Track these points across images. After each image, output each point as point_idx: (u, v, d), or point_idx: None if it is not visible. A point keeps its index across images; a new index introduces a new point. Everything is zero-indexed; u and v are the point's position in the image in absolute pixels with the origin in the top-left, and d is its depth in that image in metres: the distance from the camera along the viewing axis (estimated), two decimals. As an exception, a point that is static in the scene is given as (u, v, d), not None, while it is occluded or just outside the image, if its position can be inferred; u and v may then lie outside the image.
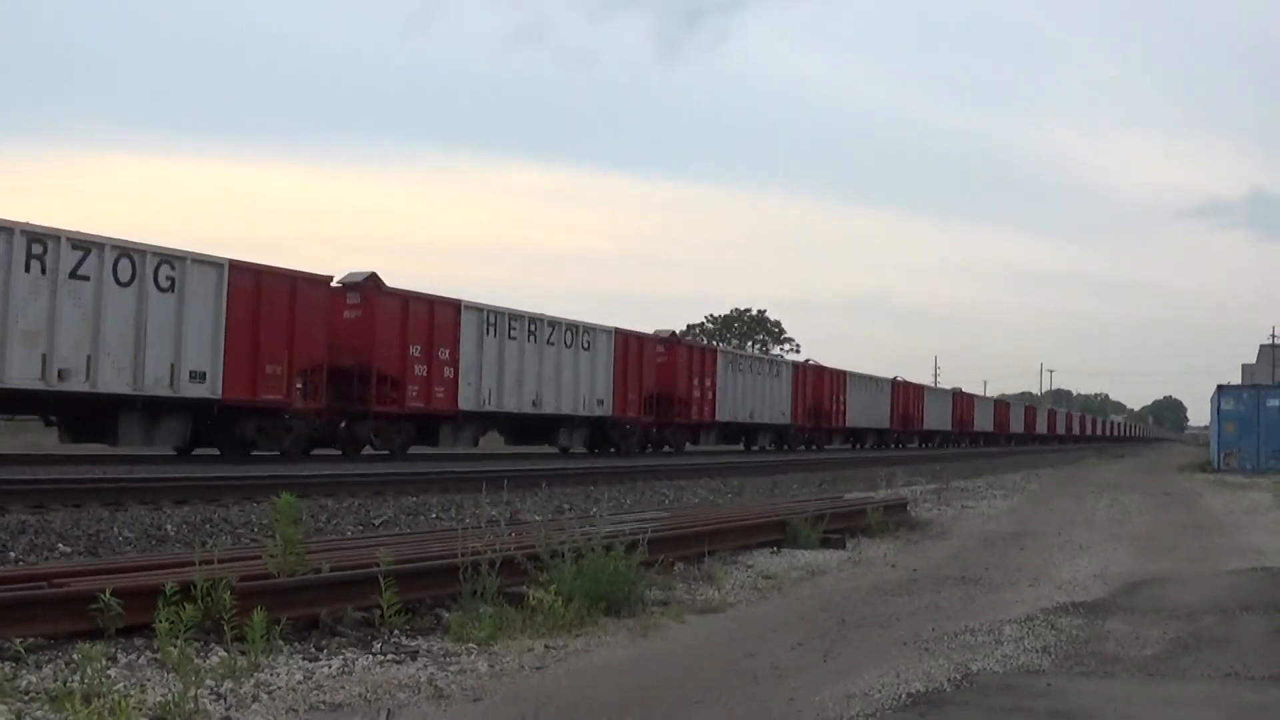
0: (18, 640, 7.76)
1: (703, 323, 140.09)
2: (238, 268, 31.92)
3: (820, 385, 69.86)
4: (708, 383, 56.13)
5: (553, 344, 44.31)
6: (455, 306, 40.15)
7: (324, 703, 7.19)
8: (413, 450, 39.45)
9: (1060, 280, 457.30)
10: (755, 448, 63.06)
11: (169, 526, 15.97)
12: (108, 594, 7.95)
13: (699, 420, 55.87)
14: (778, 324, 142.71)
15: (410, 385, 37.92)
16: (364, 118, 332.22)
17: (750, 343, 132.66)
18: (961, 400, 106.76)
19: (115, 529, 15.42)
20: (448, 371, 39.41)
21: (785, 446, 64.83)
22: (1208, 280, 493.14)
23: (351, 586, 9.58)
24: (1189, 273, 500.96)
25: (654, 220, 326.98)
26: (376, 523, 18.11)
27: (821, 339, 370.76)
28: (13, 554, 13.29)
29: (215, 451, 32.81)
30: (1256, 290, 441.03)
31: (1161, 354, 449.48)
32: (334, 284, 36.28)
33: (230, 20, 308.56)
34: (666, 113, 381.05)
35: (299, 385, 34.03)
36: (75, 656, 7.30)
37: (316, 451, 36.24)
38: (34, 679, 7.25)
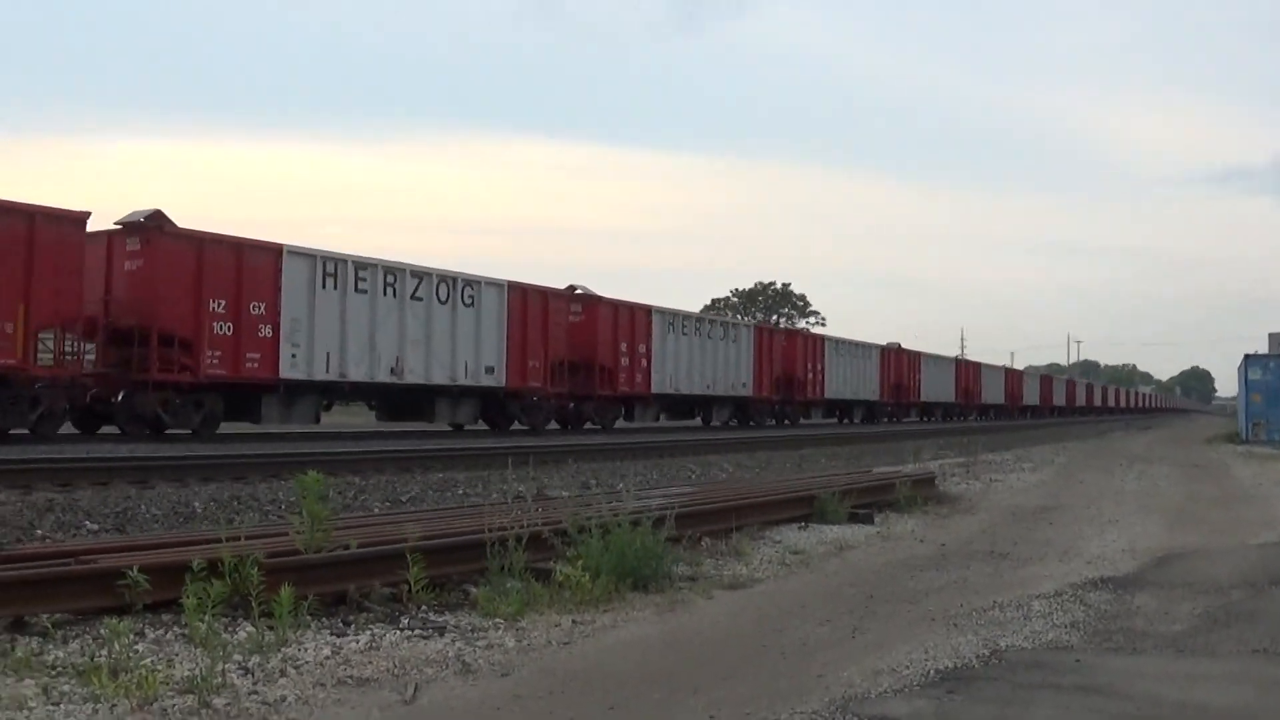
0: (45, 615, 7.79)
1: (727, 297, 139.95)
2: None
3: (900, 365, 77.11)
4: (819, 366, 63.40)
5: (711, 338, 52.67)
6: (647, 311, 48.27)
7: (351, 677, 7.20)
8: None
9: (1087, 250, 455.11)
10: (847, 421, 69.85)
11: (196, 504, 15.98)
12: (135, 570, 7.96)
13: (812, 398, 63.17)
14: (802, 298, 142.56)
15: (621, 374, 46.20)
16: (373, 95, 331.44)
17: (775, 316, 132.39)
18: (1012, 376, 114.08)
19: (143, 506, 15.45)
20: (643, 363, 47.37)
21: (873, 419, 71.92)
22: (1234, 248, 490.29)
23: (379, 562, 9.57)
24: (1215, 241, 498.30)
25: (672, 194, 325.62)
26: (404, 499, 18.10)
27: (845, 312, 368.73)
28: (39, 531, 13.35)
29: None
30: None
31: (1189, 324, 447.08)
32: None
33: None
34: (684, 85, 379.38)
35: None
36: (103, 632, 7.32)
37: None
38: (61, 654, 7.28)
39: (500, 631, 8.68)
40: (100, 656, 7.04)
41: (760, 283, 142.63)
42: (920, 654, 8.21)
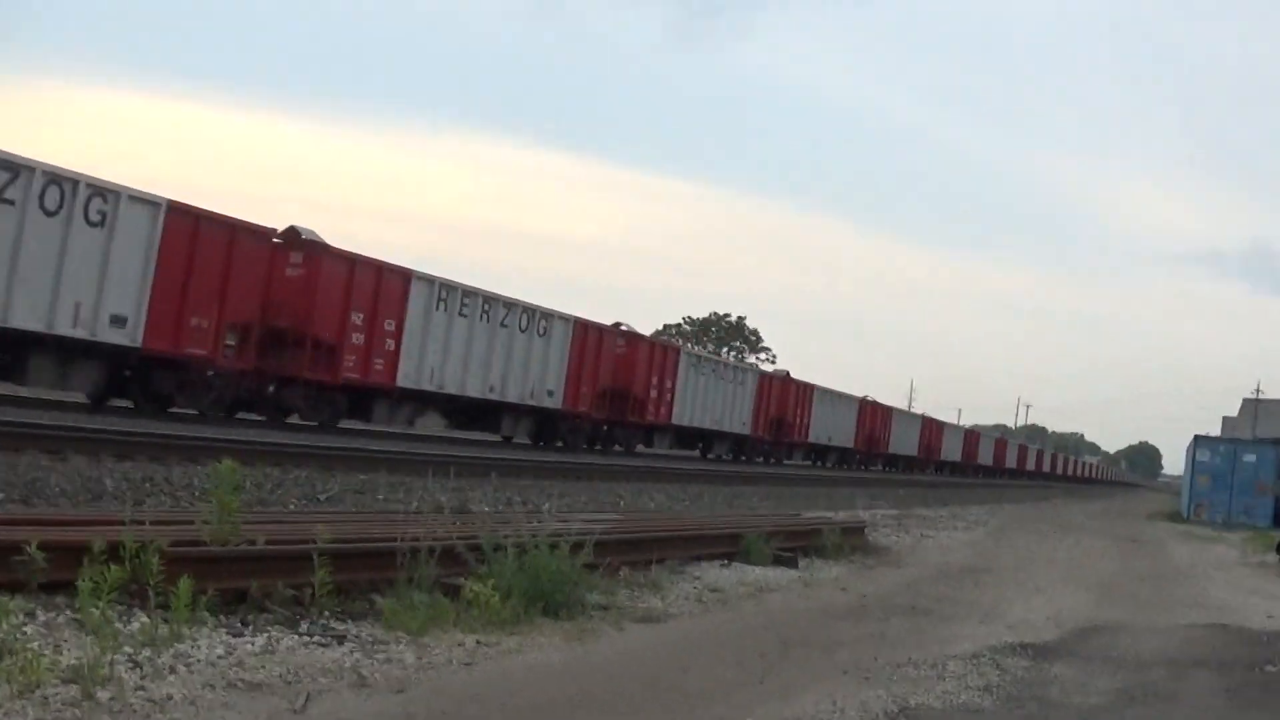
0: (-72, 589, 7.51)
1: (679, 324, 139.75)
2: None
3: (785, 397, 66.80)
4: (668, 383, 52.31)
5: (506, 326, 41.46)
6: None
7: (243, 680, 7.01)
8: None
9: (1045, 314, 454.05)
10: (711, 455, 58.62)
11: (108, 481, 15.57)
12: (34, 546, 7.68)
13: (654, 421, 52.32)
14: (755, 332, 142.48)
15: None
16: (360, 81, 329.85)
17: (726, 348, 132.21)
18: (931, 426, 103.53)
19: (54, 479, 15.04)
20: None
21: (743, 457, 61.43)
22: (1197, 329, 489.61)
23: (285, 562, 9.33)
24: (1179, 319, 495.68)
25: (636, 211, 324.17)
26: (322, 498, 17.79)
27: (796, 351, 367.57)
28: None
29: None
30: (1245, 344, 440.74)
31: (1142, 399, 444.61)
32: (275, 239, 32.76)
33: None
34: (668, 105, 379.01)
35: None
36: (-10, 610, 7.04)
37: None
38: (-60, 632, 7.00)
39: (401, 646, 8.50)
40: (-16, 637, 6.77)
41: (715, 313, 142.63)
42: (827, 704, 8.10)
